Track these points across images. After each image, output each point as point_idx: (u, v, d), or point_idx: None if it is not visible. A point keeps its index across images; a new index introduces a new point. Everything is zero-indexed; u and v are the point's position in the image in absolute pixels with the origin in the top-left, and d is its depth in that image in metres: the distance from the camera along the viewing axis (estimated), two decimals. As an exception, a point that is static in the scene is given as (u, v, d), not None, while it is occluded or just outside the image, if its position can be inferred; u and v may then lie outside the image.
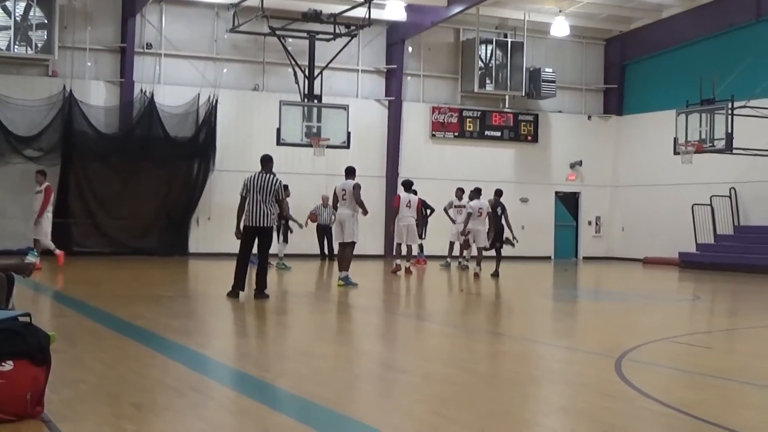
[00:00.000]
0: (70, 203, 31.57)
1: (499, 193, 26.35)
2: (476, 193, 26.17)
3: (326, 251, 32.18)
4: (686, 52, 36.74)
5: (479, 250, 25.83)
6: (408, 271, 26.40)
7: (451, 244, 29.73)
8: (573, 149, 39.67)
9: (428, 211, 30.46)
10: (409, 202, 26.24)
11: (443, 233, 30.18)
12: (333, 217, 30.93)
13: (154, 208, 32.69)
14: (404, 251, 26.69)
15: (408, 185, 26.78)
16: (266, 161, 17.60)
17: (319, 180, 33.67)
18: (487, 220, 25.71)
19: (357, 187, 20.98)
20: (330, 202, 31.15)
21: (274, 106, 31.82)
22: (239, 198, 17.42)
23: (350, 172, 21.36)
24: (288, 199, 27.52)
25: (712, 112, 30.95)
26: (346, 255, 21.08)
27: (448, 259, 29.67)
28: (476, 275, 25.21)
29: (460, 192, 29.51)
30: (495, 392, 8.91)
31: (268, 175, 17.30)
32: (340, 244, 21.36)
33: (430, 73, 37.77)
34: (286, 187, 27.63)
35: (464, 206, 28.14)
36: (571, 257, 39.70)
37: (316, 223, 31.81)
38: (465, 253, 27.76)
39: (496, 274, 25.21)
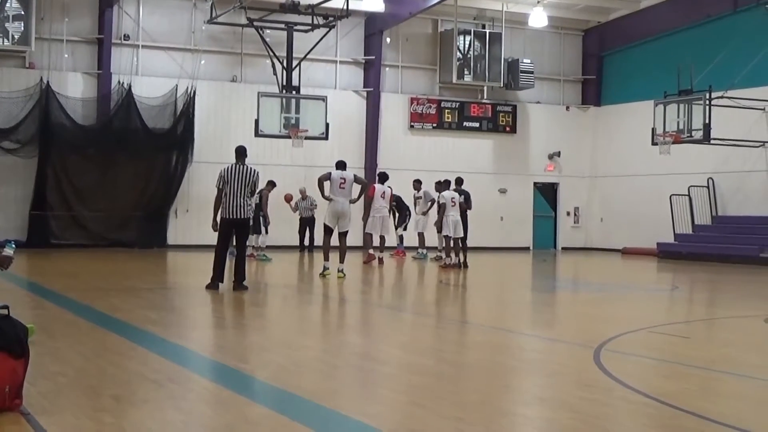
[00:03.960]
0: (48, 196, 31.45)
1: (459, 181, 26.51)
2: (445, 185, 26.17)
3: (306, 243, 32.19)
4: (664, 43, 36.83)
5: (455, 240, 25.81)
6: (380, 261, 26.56)
7: (420, 234, 29.83)
8: (551, 140, 39.73)
9: (408, 212, 30.62)
10: (383, 193, 26.42)
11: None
12: (313, 209, 31.21)
13: (133, 200, 32.58)
14: (376, 242, 26.88)
15: (384, 178, 27.05)
16: (242, 153, 17.56)
17: (297, 171, 33.71)
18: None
19: (357, 176, 21.85)
20: (309, 194, 31.33)
21: (252, 98, 31.76)
22: (216, 190, 17.39)
23: (343, 166, 21.84)
24: (270, 193, 27.77)
25: (689, 103, 31.06)
26: (346, 246, 21.47)
27: (421, 250, 29.67)
28: (454, 265, 25.27)
29: (417, 183, 29.73)
30: (473, 382, 8.94)
31: (244, 167, 17.26)
32: (340, 234, 21.34)
33: (409, 64, 37.76)
34: (273, 183, 27.90)
35: (420, 197, 28.70)
36: (549, 248, 39.78)
37: (298, 215, 31.76)
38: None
39: (465, 265, 25.37)
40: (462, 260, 25.67)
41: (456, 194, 25.76)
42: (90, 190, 32.06)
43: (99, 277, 21.23)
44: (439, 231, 26.18)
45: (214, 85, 34.22)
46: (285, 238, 31.62)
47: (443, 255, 26.39)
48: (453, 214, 25.39)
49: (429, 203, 29.05)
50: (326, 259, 21.27)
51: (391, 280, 23.39)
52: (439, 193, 26.33)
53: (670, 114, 31.57)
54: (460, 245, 25.81)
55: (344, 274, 20.75)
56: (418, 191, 29.67)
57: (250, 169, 17.28)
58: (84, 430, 6.60)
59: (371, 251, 26.78)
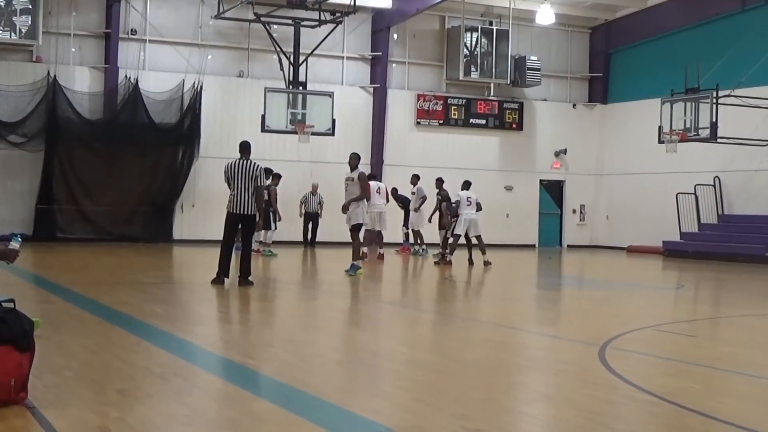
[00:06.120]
0: (54, 189, 31.48)
1: (440, 182, 27.54)
2: (466, 185, 26.23)
3: (309, 239, 32.29)
4: (671, 41, 36.79)
5: (478, 239, 25.87)
6: (381, 257, 26.63)
7: (416, 232, 29.76)
8: (558, 137, 39.70)
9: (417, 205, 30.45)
10: (378, 188, 26.29)
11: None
12: (320, 206, 31.43)
13: (139, 194, 32.60)
14: (375, 240, 26.95)
15: (371, 176, 27.14)
16: (246, 148, 17.54)
17: (303, 167, 33.73)
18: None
19: None
20: (319, 190, 31.60)
21: (258, 93, 31.79)
22: (226, 186, 17.39)
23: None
24: (276, 187, 27.79)
25: (696, 101, 31.01)
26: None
27: (422, 247, 29.63)
28: (484, 263, 25.20)
29: (414, 179, 29.65)
30: (478, 379, 8.92)
31: (249, 162, 17.25)
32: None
33: (415, 60, 37.73)
34: (279, 175, 27.93)
35: (414, 193, 28.93)
36: (555, 245, 39.76)
37: (303, 210, 31.91)
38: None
39: (470, 262, 25.45)
40: (468, 257, 25.71)
41: (473, 195, 25.85)
42: (96, 184, 32.07)
43: (105, 271, 21.26)
44: (441, 228, 26.30)
45: (221, 80, 34.21)
46: (289, 234, 31.63)
47: (444, 252, 26.37)
48: (467, 212, 25.44)
49: (421, 200, 29.10)
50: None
51: (396, 277, 23.40)
52: (438, 191, 26.70)
53: (676, 112, 31.53)
54: (473, 242, 25.87)
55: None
56: (414, 186, 29.59)
57: (253, 164, 17.26)
58: (89, 423, 6.61)
59: (381, 250, 26.90)
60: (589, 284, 23.54)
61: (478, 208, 25.92)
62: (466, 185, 26.23)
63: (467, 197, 25.65)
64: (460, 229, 25.47)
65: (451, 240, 25.92)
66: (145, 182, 32.82)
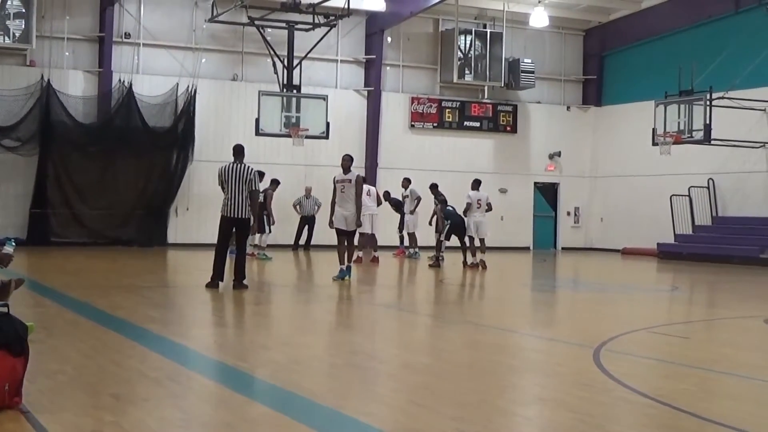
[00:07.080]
0: (49, 193, 31.43)
1: (434, 187, 27.68)
2: (476, 184, 26.22)
3: (302, 242, 32.37)
4: (665, 43, 36.80)
5: (482, 241, 25.91)
6: (375, 259, 26.67)
7: (411, 234, 29.75)
8: (552, 140, 39.70)
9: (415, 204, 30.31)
10: (369, 191, 26.12)
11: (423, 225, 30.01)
12: (316, 208, 31.50)
13: (133, 198, 32.55)
14: (365, 242, 26.95)
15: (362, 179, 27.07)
16: (239, 151, 17.52)
17: (297, 170, 33.73)
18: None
19: None
20: (313, 193, 31.67)
21: (252, 96, 31.81)
22: (220, 190, 17.38)
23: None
24: (274, 192, 27.83)
25: (690, 103, 31.06)
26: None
27: (412, 249, 29.63)
28: (481, 265, 25.20)
29: (405, 182, 29.64)
30: (473, 382, 8.93)
31: (242, 165, 17.23)
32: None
33: (409, 63, 37.72)
34: (277, 181, 27.93)
35: (407, 196, 29.12)
36: (549, 248, 39.75)
37: (299, 213, 32.07)
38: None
39: (465, 263, 25.45)
40: (463, 259, 25.73)
41: (484, 195, 25.91)
42: (90, 188, 32.03)
43: (99, 275, 21.23)
44: (437, 232, 26.37)
45: (215, 83, 34.18)
46: (284, 237, 31.62)
47: (438, 255, 26.33)
48: (476, 215, 25.52)
49: (415, 201, 29.13)
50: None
51: (391, 280, 23.40)
52: (435, 196, 26.82)
53: (670, 114, 31.58)
54: (477, 244, 25.91)
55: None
56: (406, 189, 29.61)
57: (247, 167, 17.25)
58: (84, 428, 6.60)
59: (375, 253, 26.98)
60: (583, 286, 23.55)
61: (489, 208, 26.01)
62: (476, 185, 26.23)
63: (477, 199, 25.72)
64: (471, 232, 25.63)
65: (445, 244, 26.08)
66: (140, 186, 32.77)
